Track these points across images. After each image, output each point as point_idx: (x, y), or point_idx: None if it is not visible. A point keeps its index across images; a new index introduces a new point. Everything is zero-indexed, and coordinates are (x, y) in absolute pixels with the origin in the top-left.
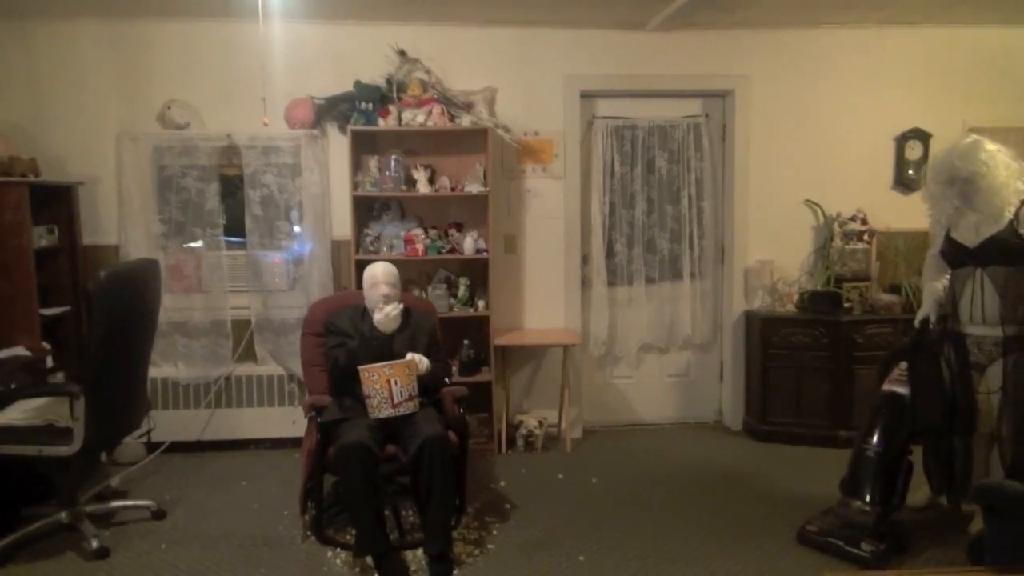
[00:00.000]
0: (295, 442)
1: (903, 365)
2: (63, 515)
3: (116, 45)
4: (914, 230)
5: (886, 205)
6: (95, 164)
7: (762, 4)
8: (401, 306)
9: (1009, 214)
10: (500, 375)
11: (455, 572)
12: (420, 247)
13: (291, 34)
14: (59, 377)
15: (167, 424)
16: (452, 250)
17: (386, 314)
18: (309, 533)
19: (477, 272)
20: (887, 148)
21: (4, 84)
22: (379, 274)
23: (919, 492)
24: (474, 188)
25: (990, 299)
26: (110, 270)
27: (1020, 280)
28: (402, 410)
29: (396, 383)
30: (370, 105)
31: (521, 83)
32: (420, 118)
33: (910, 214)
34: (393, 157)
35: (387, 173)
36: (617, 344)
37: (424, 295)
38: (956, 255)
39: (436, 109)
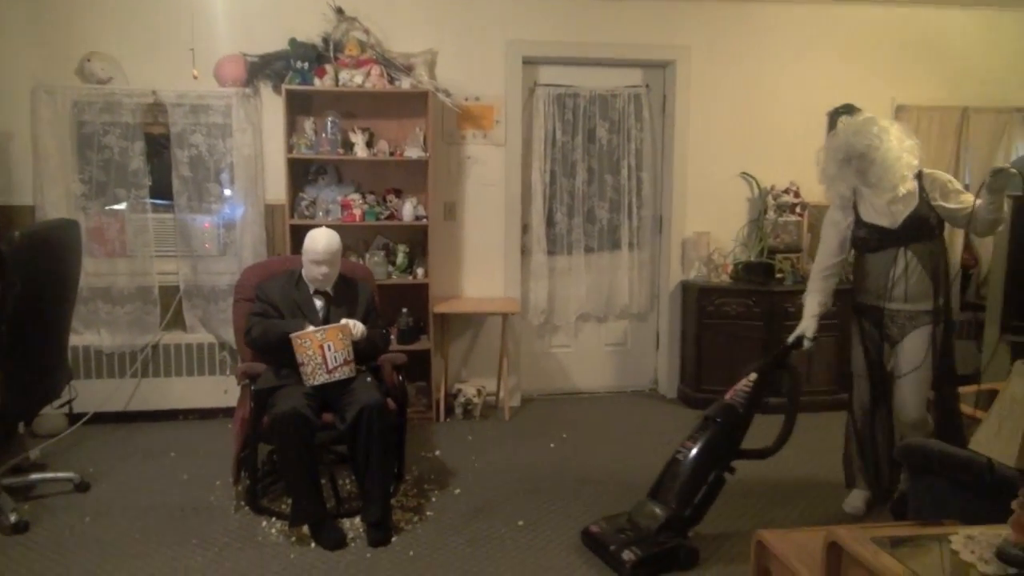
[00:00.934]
0: (227, 412)
1: (752, 376)
2: None
3: None
4: None
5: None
6: (7, 119)
7: None
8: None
9: (904, 188)
10: (439, 343)
11: (393, 539)
12: (357, 212)
13: None
14: None
15: (90, 394)
16: (391, 216)
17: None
18: (243, 503)
19: (416, 239)
20: (820, 123)
21: None
22: (321, 251)
23: (857, 497)
24: (414, 153)
25: (917, 276)
26: (26, 230)
27: (942, 254)
28: (337, 375)
29: (330, 348)
30: (306, 64)
31: (462, 47)
32: (358, 79)
33: None
34: (330, 119)
35: (323, 135)
36: (556, 313)
37: (362, 261)
38: (874, 239)
39: (375, 70)
